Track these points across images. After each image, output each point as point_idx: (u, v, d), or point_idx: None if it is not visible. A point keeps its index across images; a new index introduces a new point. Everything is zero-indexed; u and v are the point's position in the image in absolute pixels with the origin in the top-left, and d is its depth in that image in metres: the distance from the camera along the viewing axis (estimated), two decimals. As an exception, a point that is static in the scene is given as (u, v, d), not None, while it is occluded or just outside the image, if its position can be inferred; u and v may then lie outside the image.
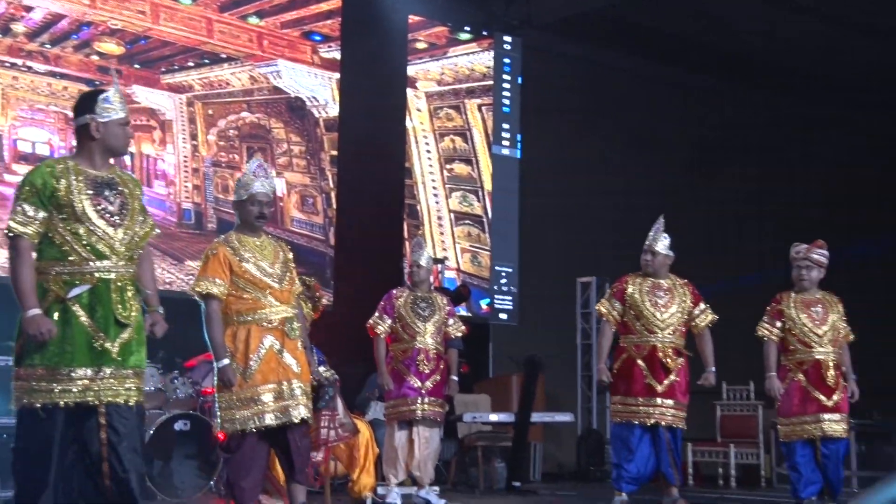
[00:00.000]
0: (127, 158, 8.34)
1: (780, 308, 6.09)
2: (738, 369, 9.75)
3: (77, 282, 3.60)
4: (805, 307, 6.03)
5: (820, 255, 6.09)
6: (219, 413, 4.53)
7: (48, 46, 8.01)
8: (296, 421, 4.50)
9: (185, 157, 8.72)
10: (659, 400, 5.85)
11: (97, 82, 8.21)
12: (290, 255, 4.81)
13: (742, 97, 12.99)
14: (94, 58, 8.24)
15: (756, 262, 12.06)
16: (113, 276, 3.65)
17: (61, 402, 3.53)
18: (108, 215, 3.67)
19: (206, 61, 8.91)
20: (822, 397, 5.90)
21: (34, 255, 3.64)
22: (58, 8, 8.09)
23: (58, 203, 3.60)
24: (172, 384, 7.04)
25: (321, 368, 6.34)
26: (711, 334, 6.16)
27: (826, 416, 5.89)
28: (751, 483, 9.38)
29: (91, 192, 3.66)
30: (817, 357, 5.96)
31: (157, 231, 4.00)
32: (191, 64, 8.81)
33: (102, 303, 3.62)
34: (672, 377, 5.89)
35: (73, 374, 3.55)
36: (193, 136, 8.78)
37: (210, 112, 8.90)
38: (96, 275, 3.62)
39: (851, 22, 11.22)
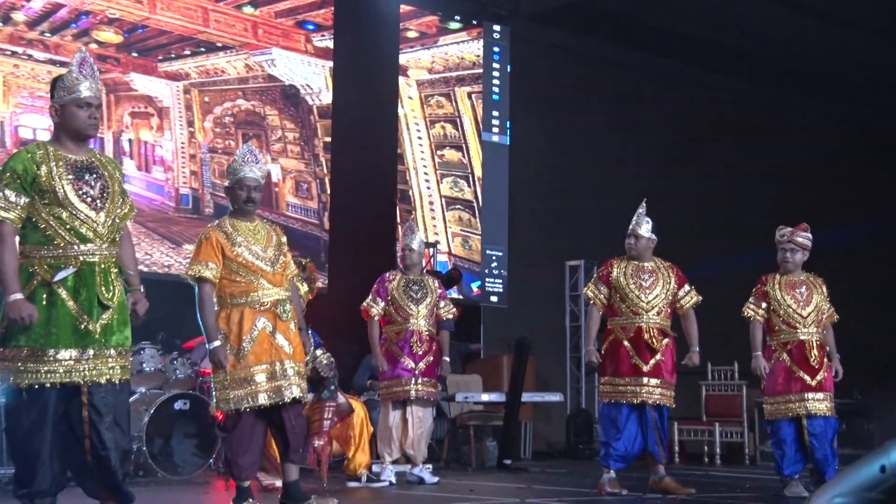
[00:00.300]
0: (126, 144, 8.51)
1: (766, 289, 6.17)
2: (723, 350, 9.97)
3: (62, 265, 3.64)
4: (790, 289, 6.12)
5: (804, 238, 6.17)
6: (215, 393, 4.65)
7: (48, 35, 8.14)
8: (288, 400, 4.60)
9: (182, 143, 8.85)
10: (645, 379, 5.94)
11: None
12: (284, 239, 4.90)
13: (724, 85, 13.17)
14: (93, 46, 8.35)
15: (739, 245, 12.24)
16: (97, 258, 3.70)
17: (47, 383, 3.59)
18: (89, 199, 3.70)
19: (203, 50, 9.04)
20: (806, 377, 5.98)
21: (17, 239, 3.67)
22: (57, -3, 8.22)
23: (40, 188, 3.62)
24: (172, 365, 7.14)
25: (318, 351, 6.51)
26: (696, 315, 6.27)
27: (810, 395, 5.97)
28: (735, 461, 9.58)
29: (72, 176, 3.68)
30: (801, 337, 6.04)
31: (135, 212, 4.03)
32: (187, 52, 8.94)
33: (87, 285, 3.66)
34: (658, 357, 5.98)
35: (58, 356, 3.61)
36: (190, 123, 8.91)
37: (206, 99, 9.03)
38: (81, 258, 3.67)
39: (830, 13, 11.39)
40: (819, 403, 6.00)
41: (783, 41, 12.14)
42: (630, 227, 6.16)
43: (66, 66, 8.01)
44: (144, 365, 6.97)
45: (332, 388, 6.11)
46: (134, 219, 8.33)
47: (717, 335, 10.80)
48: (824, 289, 6.22)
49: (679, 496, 5.86)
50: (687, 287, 6.20)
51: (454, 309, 6.95)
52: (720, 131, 13.18)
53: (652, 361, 5.97)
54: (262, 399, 4.57)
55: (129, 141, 8.53)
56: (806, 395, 5.99)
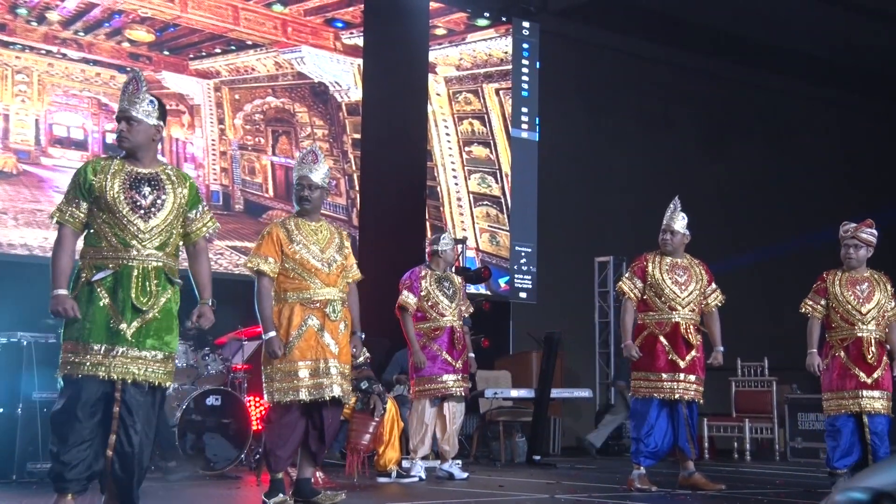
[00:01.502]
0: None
1: (825, 286, 6.07)
2: (753, 345, 9.93)
3: (103, 266, 3.85)
4: (851, 285, 6.01)
5: (868, 234, 6.04)
6: (264, 384, 4.76)
7: (82, 34, 8.24)
8: (328, 399, 4.68)
9: (212, 140, 8.93)
10: (682, 375, 5.91)
11: (128, 69, 8.42)
12: (348, 243, 5.00)
13: (754, 79, 13.08)
14: (126, 45, 8.46)
15: (769, 241, 12.18)
16: (135, 263, 3.86)
17: (77, 374, 3.79)
18: (138, 208, 3.88)
19: (233, 48, 9.11)
20: (862, 374, 5.87)
21: (78, 241, 3.95)
22: (90, -3, 8.33)
23: (94, 195, 3.86)
24: (204, 360, 7.20)
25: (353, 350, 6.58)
26: (726, 310, 6.24)
27: (865, 392, 5.86)
28: (765, 457, 9.54)
29: (126, 186, 3.88)
30: (859, 334, 5.93)
31: (215, 227, 4.19)
32: (218, 50, 9.01)
33: (123, 287, 3.83)
34: (693, 353, 5.96)
35: (90, 349, 3.80)
36: (221, 121, 8.98)
37: (236, 97, 9.10)
38: (120, 261, 3.85)
39: (864, 6, 11.29)
40: (875, 401, 5.89)
41: (815, 35, 12.05)
42: (664, 221, 6.11)
43: (99, 65, 8.21)
44: (176, 361, 7.02)
45: (383, 410, 6.20)
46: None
47: (747, 331, 10.79)
48: (888, 286, 6.10)
49: (709, 492, 5.83)
50: (714, 285, 6.18)
51: (472, 306, 7.01)
52: (750, 126, 13.12)
53: (688, 357, 5.95)
54: (304, 395, 4.66)
55: (161, 138, 8.59)
56: (861, 393, 5.89)
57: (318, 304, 4.75)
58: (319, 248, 4.81)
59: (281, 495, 4.71)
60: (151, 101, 3.99)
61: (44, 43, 8.04)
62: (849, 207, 6.68)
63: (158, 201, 3.93)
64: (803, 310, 6.11)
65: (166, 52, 8.71)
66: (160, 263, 3.93)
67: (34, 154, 7.88)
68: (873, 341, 5.96)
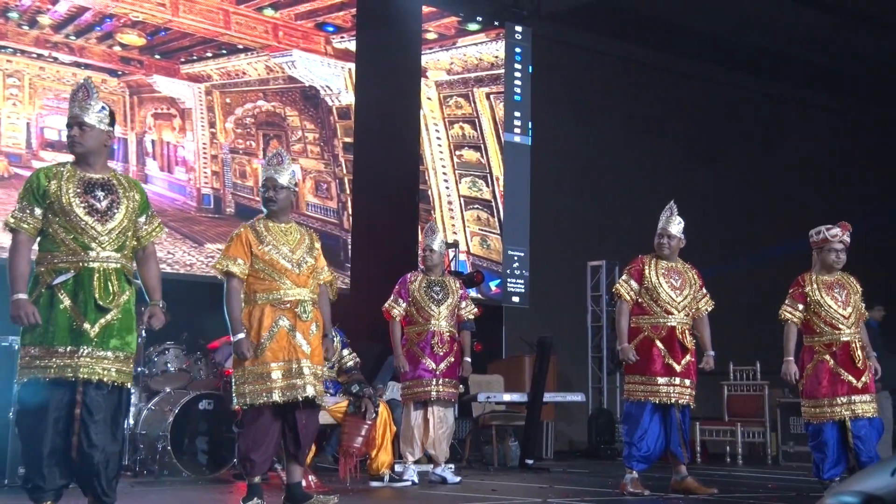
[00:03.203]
0: (149, 145, 8.58)
1: (804, 290, 5.98)
2: (745, 349, 9.95)
3: (63, 270, 3.90)
4: (828, 289, 5.96)
5: (848, 236, 6.00)
6: (234, 388, 4.73)
7: (73, 38, 8.22)
8: (301, 399, 4.66)
9: (203, 144, 8.92)
10: (678, 379, 5.90)
11: (120, 72, 8.44)
12: (318, 245, 4.99)
13: (745, 84, 13.13)
14: (117, 49, 8.45)
15: (758, 245, 12.22)
16: (95, 265, 3.92)
17: (44, 377, 3.82)
18: (94, 212, 3.95)
19: (224, 52, 9.10)
20: (853, 379, 5.82)
21: (34, 247, 4.00)
22: (82, 1, 8.30)
23: (49, 201, 3.92)
24: (196, 365, 7.21)
25: (345, 351, 6.58)
26: (718, 314, 6.23)
27: (856, 397, 5.81)
28: (757, 461, 9.56)
29: (80, 191, 3.96)
30: (844, 339, 5.87)
31: (162, 233, 4.29)
32: (209, 54, 9.01)
33: (84, 288, 3.89)
34: (688, 357, 5.96)
35: (54, 352, 3.84)
36: (212, 124, 8.97)
37: (228, 101, 9.09)
38: (80, 264, 3.91)
39: (853, 10, 11.34)
40: (866, 405, 5.85)
41: (804, 39, 12.10)
42: (660, 225, 6.08)
43: (90, 69, 8.19)
44: (169, 365, 7.04)
45: (374, 414, 6.19)
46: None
47: (739, 335, 10.82)
48: (858, 287, 6.07)
49: (701, 496, 5.84)
50: (704, 290, 6.18)
51: (475, 309, 6.97)
52: (741, 131, 13.16)
53: (684, 361, 5.94)
54: (277, 396, 4.62)
55: (152, 142, 8.60)
56: (853, 398, 5.82)
57: (288, 305, 4.72)
58: (289, 248, 4.80)
59: (257, 499, 4.67)
60: (103, 108, 4.07)
61: (35, 47, 8.02)
62: (838, 211, 6.69)
63: (113, 205, 4.01)
64: (782, 316, 6.02)
65: (157, 56, 8.70)
66: (118, 265, 4.00)
67: (25, 157, 7.86)
68: (858, 345, 5.89)
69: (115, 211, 4.00)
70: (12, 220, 3.94)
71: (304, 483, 5.04)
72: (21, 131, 7.89)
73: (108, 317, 3.91)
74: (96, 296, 3.88)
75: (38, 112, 7.99)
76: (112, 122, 4.10)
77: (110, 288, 3.93)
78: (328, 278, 5.05)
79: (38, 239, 3.99)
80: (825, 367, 5.91)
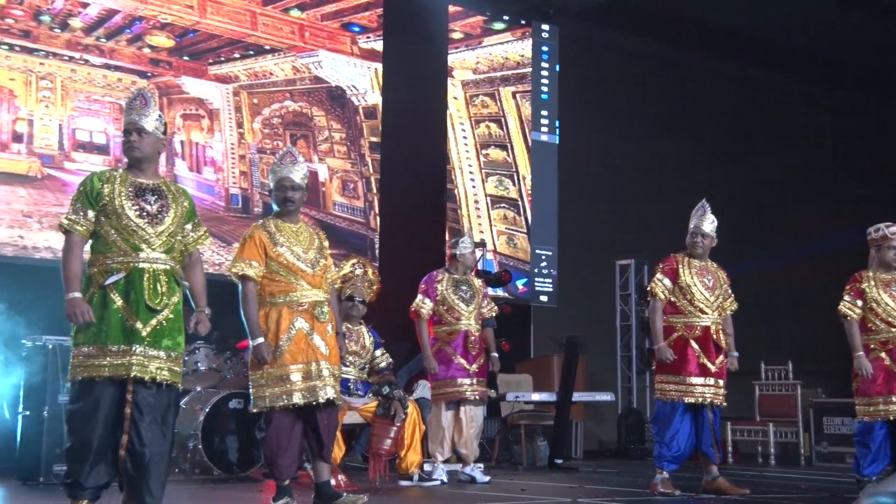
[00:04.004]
0: (178, 146, 8.64)
1: (862, 287, 5.95)
2: (777, 349, 9.86)
3: (114, 270, 3.97)
4: (885, 286, 5.93)
5: None
6: (252, 391, 4.71)
7: (103, 40, 8.29)
8: (322, 401, 4.65)
9: (231, 144, 8.96)
10: (712, 380, 5.87)
11: (149, 74, 8.50)
12: (326, 243, 4.96)
13: (775, 82, 13.01)
14: (146, 51, 8.52)
15: (790, 244, 12.10)
16: (146, 266, 3.99)
17: (97, 377, 3.88)
18: (145, 215, 4.04)
19: (251, 53, 9.15)
20: None
21: (86, 248, 4.06)
22: (112, 4, 8.37)
23: (102, 203, 4.01)
24: (226, 364, 7.26)
25: (377, 352, 6.57)
26: (751, 313, 6.16)
27: None
28: (790, 461, 9.46)
29: (132, 194, 4.05)
30: None
31: (208, 240, 4.36)
32: (236, 55, 9.05)
33: (135, 289, 3.96)
34: (722, 357, 5.93)
35: (107, 351, 3.90)
36: (239, 125, 9.02)
37: (255, 101, 9.13)
38: (131, 265, 3.98)
39: (889, 8, 11.20)
40: None
41: (836, 37, 11.97)
42: (693, 223, 6.04)
43: (120, 71, 8.25)
44: (199, 364, 7.09)
45: (403, 416, 6.19)
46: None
47: (772, 334, 10.73)
48: None
49: (733, 497, 5.79)
50: (730, 290, 6.13)
51: (496, 307, 6.98)
52: (772, 129, 13.04)
53: (718, 361, 5.91)
54: (297, 398, 4.62)
55: (181, 142, 8.66)
56: None
57: (305, 307, 4.71)
58: (302, 249, 4.77)
59: (287, 499, 4.68)
60: (160, 117, 4.18)
61: (67, 49, 8.09)
62: (873, 209, 6.61)
63: (163, 209, 4.09)
64: (841, 312, 5.99)
65: (186, 58, 8.75)
66: (167, 266, 4.06)
67: (58, 158, 7.94)
68: None
69: (165, 215, 4.09)
70: (66, 222, 4.02)
71: (332, 482, 5.04)
72: (53, 133, 7.97)
73: (160, 317, 3.98)
74: (149, 295, 3.95)
75: (69, 114, 8.06)
76: (165, 131, 4.21)
77: (159, 289, 4.00)
78: (336, 277, 5.10)
79: (91, 241, 4.06)
80: (880, 364, 5.86)
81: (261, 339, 4.63)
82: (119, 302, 3.93)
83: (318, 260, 4.81)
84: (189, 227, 4.20)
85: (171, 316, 4.02)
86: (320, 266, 4.82)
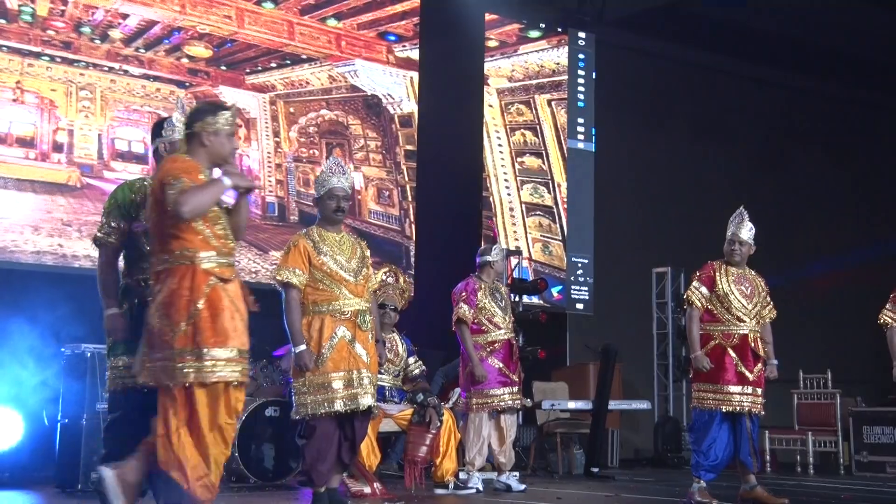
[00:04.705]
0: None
1: None
2: (816, 357, 9.74)
3: (152, 282, 3.86)
4: None
5: None
6: (294, 398, 4.77)
7: (142, 51, 8.40)
8: (363, 409, 4.72)
9: (268, 153, 9.04)
10: (750, 388, 5.82)
11: (187, 84, 8.59)
12: (368, 253, 5.01)
13: (813, 88, 12.88)
14: (185, 61, 8.62)
15: (829, 251, 11.96)
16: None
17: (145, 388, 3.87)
18: None
19: (288, 62, 9.22)
20: None
21: (120, 260, 4.08)
22: (151, 15, 8.48)
23: (135, 214, 4.02)
24: (262, 372, 7.29)
25: (410, 360, 6.60)
26: (789, 322, 6.11)
27: None
28: (829, 470, 9.35)
29: None
30: None
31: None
32: (273, 65, 9.13)
33: None
34: (760, 365, 5.87)
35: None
36: (276, 134, 9.09)
37: (291, 110, 9.20)
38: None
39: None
40: None
41: (874, 42, 11.82)
42: (731, 231, 5.99)
43: (158, 81, 8.36)
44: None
45: (439, 424, 6.21)
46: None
47: (810, 342, 10.61)
48: None
49: (772, 506, 5.74)
50: (769, 299, 6.08)
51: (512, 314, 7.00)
52: (810, 135, 12.90)
53: (756, 369, 5.85)
54: (339, 406, 4.67)
55: (219, 152, 8.73)
56: None
57: (348, 315, 4.76)
58: (345, 258, 4.83)
59: None
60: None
61: (106, 60, 8.21)
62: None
63: None
64: (882, 321, 5.95)
65: (223, 68, 8.84)
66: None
67: (97, 168, 8.05)
68: None
69: None
70: (101, 235, 4.03)
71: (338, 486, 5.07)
72: (93, 143, 8.08)
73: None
74: None
75: (109, 124, 8.17)
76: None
77: None
78: (375, 286, 5.15)
79: (124, 252, 4.07)
80: None
81: (303, 347, 4.68)
82: None
83: (361, 269, 4.86)
84: None
85: None
86: (363, 275, 4.87)
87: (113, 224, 4.02)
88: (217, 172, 3.74)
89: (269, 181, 9.00)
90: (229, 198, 3.75)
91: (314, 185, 5.01)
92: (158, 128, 4.20)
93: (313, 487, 4.82)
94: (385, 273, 6.65)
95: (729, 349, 5.87)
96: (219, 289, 3.64)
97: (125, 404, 3.92)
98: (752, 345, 5.88)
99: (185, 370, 3.56)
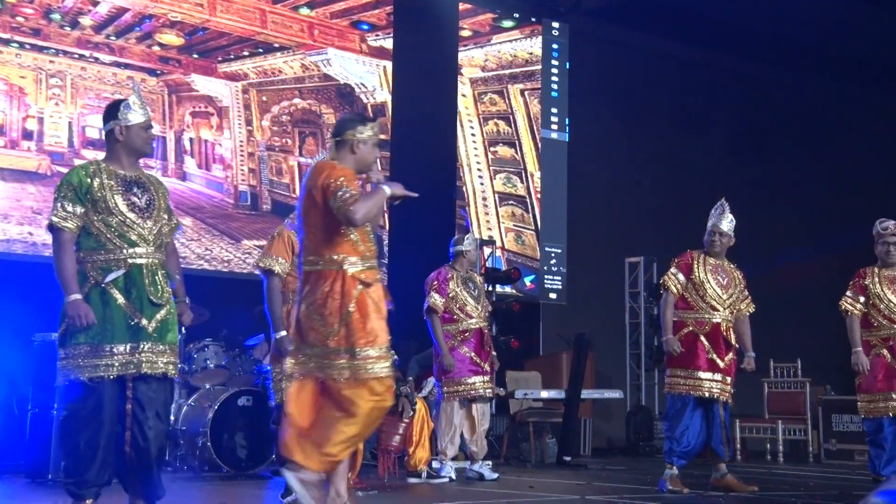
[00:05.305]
0: (187, 143, 8.67)
1: (865, 283, 6.01)
2: (786, 347, 9.83)
3: (112, 267, 3.89)
4: (889, 283, 5.98)
5: None
6: (272, 384, 4.81)
7: (113, 38, 8.32)
8: None
9: (240, 141, 8.98)
10: (720, 375, 5.88)
11: (159, 71, 8.52)
12: None
13: (787, 80, 12.95)
14: (156, 48, 8.55)
15: (802, 242, 12.07)
16: (144, 261, 3.94)
17: (107, 376, 3.81)
18: (137, 209, 3.97)
19: (260, 51, 9.17)
20: None
21: (74, 246, 3.94)
22: (122, 2, 8.39)
23: (92, 199, 3.91)
24: (235, 362, 7.26)
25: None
26: (760, 311, 6.17)
27: None
28: (799, 459, 9.45)
29: (121, 188, 3.97)
30: None
31: (180, 229, 4.32)
32: (246, 53, 9.07)
33: (136, 285, 3.91)
34: (731, 354, 5.93)
35: (114, 350, 3.84)
36: (248, 122, 9.04)
37: (264, 99, 9.15)
38: (129, 260, 3.92)
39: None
40: None
41: (849, 34, 11.90)
42: (712, 222, 6.04)
43: (130, 68, 8.28)
44: (208, 361, 7.10)
45: (412, 413, 6.22)
46: (194, 215, 8.56)
47: (780, 332, 10.70)
48: None
49: (741, 494, 5.79)
50: (746, 292, 6.13)
51: (490, 305, 6.99)
52: (783, 127, 12.98)
53: (727, 358, 5.91)
54: None
55: (190, 140, 8.69)
56: None
57: None
58: None
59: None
60: None
61: (77, 47, 8.12)
62: (884, 207, 6.60)
63: (151, 202, 4.04)
64: (843, 307, 6.03)
65: (195, 56, 8.77)
66: (160, 259, 4.03)
67: (67, 156, 7.97)
68: None
69: (153, 207, 4.03)
70: (56, 220, 3.90)
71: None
72: (63, 130, 8.00)
73: (163, 312, 3.95)
74: (151, 290, 3.91)
75: (79, 111, 8.09)
76: None
77: (158, 283, 3.96)
78: None
79: (79, 237, 3.95)
80: (882, 361, 5.90)
81: (284, 333, 4.72)
82: (121, 300, 3.86)
83: None
84: (166, 217, 4.12)
85: (171, 309, 4.00)
86: None
87: (69, 209, 3.89)
88: (376, 177, 4.13)
89: (242, 170, 8.95)
90: None
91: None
92: (113, 110, 4.06)
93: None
94: None
95: (701, 336, 5.93)
96: (364, 293, 3.92)
97: (92, 395, 3.81)
98: (725, 333, 5.93)
99: (341, 368, 3.85)
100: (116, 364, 3.82)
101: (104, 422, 3.82)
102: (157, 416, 3.91)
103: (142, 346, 3.87)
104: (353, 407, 3.80)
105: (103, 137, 4.15)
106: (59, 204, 3.92)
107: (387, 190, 4.02)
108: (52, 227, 3.92)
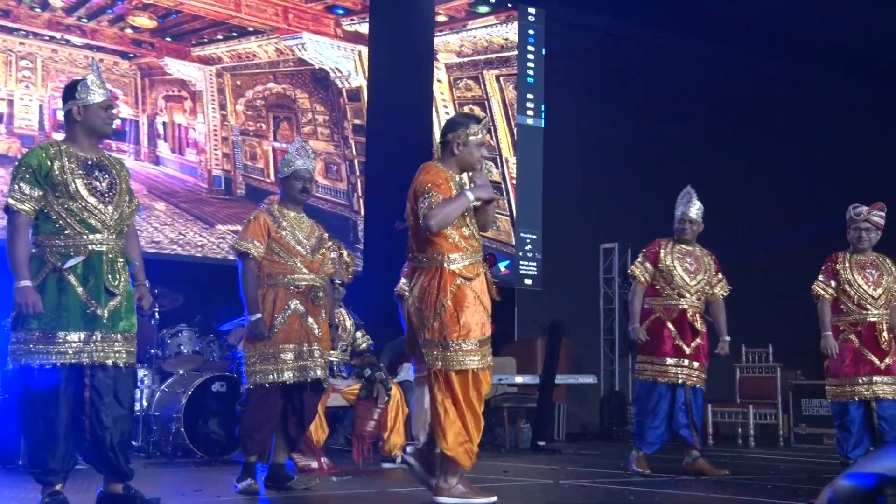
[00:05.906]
0: (160, 127, 8.59)
1: (836, 268, 6.07)
2: (758, 331, 9.91)
3: (72, 253, 3.82)
4: (860, 269, 6.03)
5: (879, 216, 6.07)
6: (244, 367, 4.80)
7: (85, 20, 8.23)
8: (311, 380, 4.76)
9: (214, 126, 8.92)
10: (686, 361, 5.92)
11: (131, 55, 8.43)
12: (326, 236, 5.10)
13: (763, 67, 13.01)
14: (129, 31, 8.46)
15: (775, 228, 12.15)
16: (104, 248, 3.87)
17: (58, 363, 3.76)
18: (98, 193, 3.88)
19: (235, 34, 9.10)
20: (875, 359, 5.91)
21: (31, 230, 3.86)
22: (93, -18, 8.31)
23: (52, 182, 3.81)
24: (209, 347, 7.24)
25: (358, 334, 6.59)
26: (732, 296, 6.22)
27: (878, 378, 5.90)
28: (769, 442, 9.56)
29: (82, 171, 3.87)
30: (871, 319, 5.96)
31: (141, 211, 4.28)
32: (220, 37, 9.00)
33: (94, 273, 3.84)
34: (698, 340, 5.97)
35: (67, 338, 3.78)
36: (222, 106, 8.98)
37: (238, 83, 9.09)
38: (89, 247, 3.84)
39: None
40: (887, 387, 5.92)
41: (824, 23, 11.96)
42: (681, 209, 6.07)
43: (102, 51, 8.19)
44: (182, 347, 7.07)
45: (387, 399, 6.22)
46: (168, 199, 8.49)
47: (752, 317, 10.78)
48: (894, 269, 6.13)
49: (713, 478, 5.83)
50: (720, 275, 6.16)
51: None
52: (758, 114, 13.04)
53: (693, 344, 5.95)
54: (287, 376, 4.72)
55: (164, 124, 8.61)
56: (874, 379, 5.91)
57: (302, 289, 4.81)
58: (303, 235, 4.90)
59: (250, 480, 4.72)
60: None
61: (47, 29, 8.03)
62: (858, 194, 6.66)
63: (112, 186, 3.95)
64: (815, 291, 6.09)
65: (169, 39, 8.69)
66: (120, 245, 3.97)
67: (38, 139, 7.87)
68: (885, 326, 5.98)
69: (115, 192, 3.94)
70: (12, 202, 3.80)
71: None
72: (34, 113, 7.92)
73: (117, 300, 3.88)
74: (108, 279, 3.85)
75: (50, 94, 8.00)
76: None
77: (117, 271, 3.90)
78: (331, 270, 5.22)
79: (38, 221, 3.86)
80: (850, 346, 5.97)
81: (259, 315, 4.72)
82: (79, 287, 3.80)
83: (318, 248, 4.94)
84: (127, 198, 4.03)
85: (128, 297, 3.94)
86: (319, 253, 4.94)
87: (27, 191, 3.79)
88: (464, 178, 4.37)
89: (216, 154, 8.89)
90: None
91: (279, 166, 5.07)
92: (71, 90, 3.98)
93: (244, 456, 4.81)
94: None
95: (668, 323, 5.98)
96: (465, 287, 4.18)
97: (49, 380, 3.76)
98: (691, 320, 5.97)
99: (434, 358, 4.15)
100: (70, 352, 3.77)
101: (61, 409, 3.78)
102: (115, 402, 3.85)
103: (95, 335, 3.81)
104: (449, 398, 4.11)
105: (62, 116, 4.06)
106: (16, 185, 3.82)
107: (469, 196, 4.26)
108: (7, 209, 3.83)
